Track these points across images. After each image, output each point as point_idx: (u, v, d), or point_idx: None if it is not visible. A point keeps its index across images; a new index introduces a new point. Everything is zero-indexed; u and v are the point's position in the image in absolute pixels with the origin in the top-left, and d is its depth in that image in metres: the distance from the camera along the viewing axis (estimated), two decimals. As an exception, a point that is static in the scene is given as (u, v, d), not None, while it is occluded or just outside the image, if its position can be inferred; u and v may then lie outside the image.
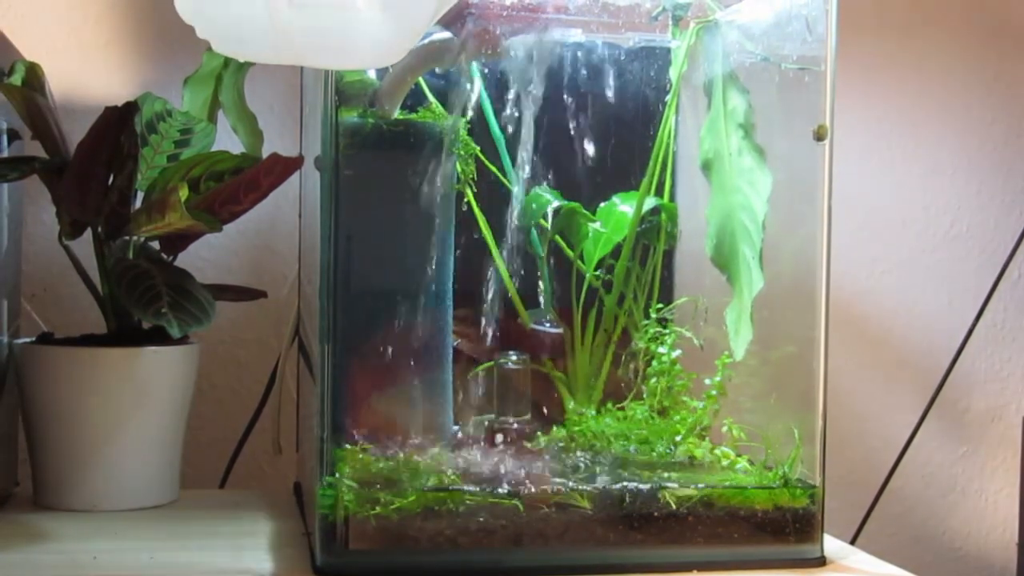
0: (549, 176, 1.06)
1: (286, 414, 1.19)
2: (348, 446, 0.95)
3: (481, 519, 0.88)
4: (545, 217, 1.06)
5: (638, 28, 1.08)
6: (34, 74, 1.08)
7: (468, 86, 1.01)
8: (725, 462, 0.99)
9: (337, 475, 0.88)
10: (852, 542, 1.44)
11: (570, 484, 0.90)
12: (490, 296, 1.04)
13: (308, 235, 1.06)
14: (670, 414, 1.05)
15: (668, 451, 1.00)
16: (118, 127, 1.01)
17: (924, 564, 1.54)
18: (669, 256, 1.11)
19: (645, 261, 1.09)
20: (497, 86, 1.05)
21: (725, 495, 0.91)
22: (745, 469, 0.97)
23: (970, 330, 1.52)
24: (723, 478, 0.94)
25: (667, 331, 1.07)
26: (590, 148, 1.08)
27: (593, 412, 1.05)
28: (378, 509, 0.86)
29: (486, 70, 1.05)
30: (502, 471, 0.93)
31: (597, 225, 1.06)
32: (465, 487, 0.89)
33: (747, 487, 0.92)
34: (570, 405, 1.06)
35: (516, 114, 1.02)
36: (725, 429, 1.02)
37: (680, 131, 1.10)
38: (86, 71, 1.30)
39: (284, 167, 1.03)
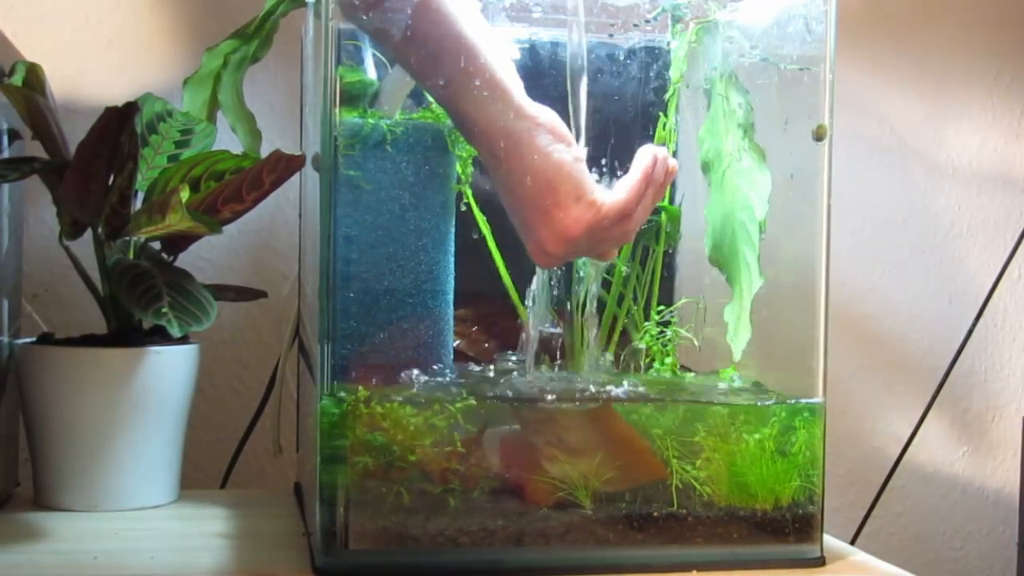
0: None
1: (286, 414, 1.19)
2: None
3: (482, 519, 0.88)
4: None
5: (637, 28, 1.08)
6: (35, 74, 1.08)
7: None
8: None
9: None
10: (852, 542, 1.44)
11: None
12: (490, 296, 1.04)
13: (308, 235, 1.06)
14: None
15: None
16: (118, 127, 1.01)
17: (924, 564, 1.54)
18: (670, 257, 1.11)
19: (645, 262, 1.09)
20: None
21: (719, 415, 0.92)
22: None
23: (970, 330, 1.52)
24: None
25: (668, 332, 1.07)
26: (589, 148, 1.08)
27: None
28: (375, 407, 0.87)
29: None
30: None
31: None
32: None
33: (745, 404, 0.93)
34: (570, 405, 1.06)
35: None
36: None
37: (680, 131, 1.10)
38: (86, 72, 1.30)
39: (287, 165, 1.03)
